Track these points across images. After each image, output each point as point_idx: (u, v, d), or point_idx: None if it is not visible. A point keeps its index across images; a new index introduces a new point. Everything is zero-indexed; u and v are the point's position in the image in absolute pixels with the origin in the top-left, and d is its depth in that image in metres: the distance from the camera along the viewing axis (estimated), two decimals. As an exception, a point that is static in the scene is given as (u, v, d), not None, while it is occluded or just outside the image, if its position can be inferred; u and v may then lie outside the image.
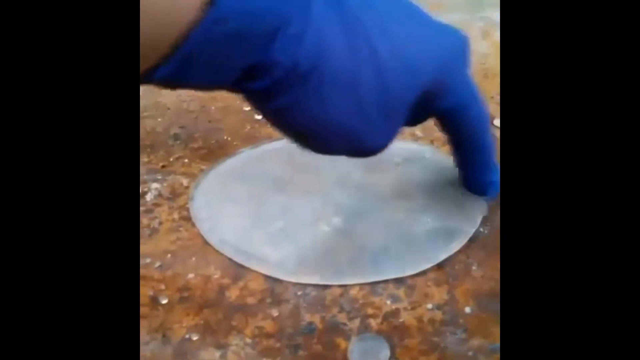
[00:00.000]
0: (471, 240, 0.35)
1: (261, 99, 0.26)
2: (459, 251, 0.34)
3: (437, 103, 0.30)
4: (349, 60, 0.25)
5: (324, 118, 0.26)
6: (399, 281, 0.33)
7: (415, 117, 0.30)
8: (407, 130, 0.41)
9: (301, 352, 0.30)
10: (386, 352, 0.30)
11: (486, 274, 0.33)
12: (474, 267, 0.33)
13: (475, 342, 0.30)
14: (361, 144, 0.28)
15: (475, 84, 0.32)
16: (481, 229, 0.35)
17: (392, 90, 0.26)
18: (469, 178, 0.35)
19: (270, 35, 0.23)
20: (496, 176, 0.34)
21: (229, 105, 0.43)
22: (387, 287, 0.32)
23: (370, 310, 0.32)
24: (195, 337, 0.31)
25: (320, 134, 0.27)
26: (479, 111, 0.32)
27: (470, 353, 0.30)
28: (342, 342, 0.30)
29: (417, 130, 0.41)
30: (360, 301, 0.32)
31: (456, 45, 0.30)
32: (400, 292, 0.32)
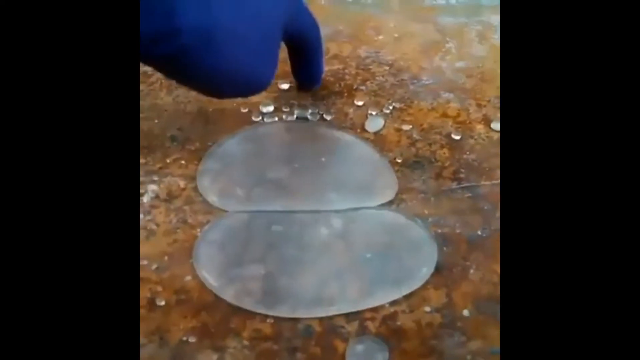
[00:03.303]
0: (469, 243, 0.35)
1: (167, 63, 0.30)
2: (458, 254, 0.34)
3: (291, 28, 0.36)
4: (235, 15, 0.29)
5: (227, 70, 0.30)
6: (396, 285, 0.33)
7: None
8: (404, 134, 0.41)
9: (299, 355, 0.30)
10: (384, 355, 0.30)
11: (484, 277, 0.33)
12: (472, 270, 0.33)
13: (474, 345, 0.30)
14: (259, 80, 0.33)
15: (307, 5, 0.38)
16: (479, 232, 0.35)
17: (269, 31, 0.32)
18: (313, 74, 0.43)
19: (171, 4, 0.26)
20: (320, 73, 0.43)
21: (226, 107, 0.43)
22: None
23: (368, 313, 0.31)
24: (192, 340, 0.30)
25: (225, 82, 0.31)
26: (317, 25, 0.39)
27: (468, 356, 0.30)
28: (340, 345, 0.30)
29: (415, 133, 0.41)
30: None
31: None
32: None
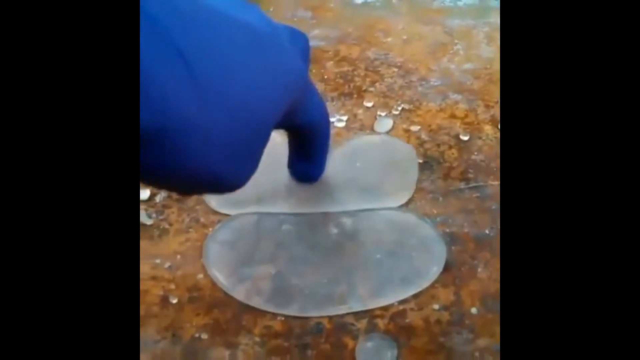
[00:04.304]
0: (477, 242, 0.35)
1: None
2: (466, 253, 0.34)
3: (290, 122, 0.30)
4: (197, 109, 0.23)
5: (186, 172, 0.24)
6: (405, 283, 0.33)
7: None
8: (413, 135, 0.41)
9: (310, 352, 0.30)
10: (393, 352, 0.30)
11: (492, 275, 0.33)
12: (479, 269, 0.34)
13: (481, 342, 0.30)
14: (230, 182, 0.27)
15: (315, 86, 0.32)
16: (487, 232, 0.36)
17: (248, 128, 0.25)
18: (310, 171, 0.36)
19: None
20: (321, 169, 0.37)
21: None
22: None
23: (377, 311, 0.32)
24: (204, 336, 0.31)
25: (186, 185, 0.26)
26: (326, 118, 0.33)
27: (476, 353, 0.30)
28: (349, 342, 0.31)
29: (423, 134, 0.41)
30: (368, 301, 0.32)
31: (300, 59, 0.29)
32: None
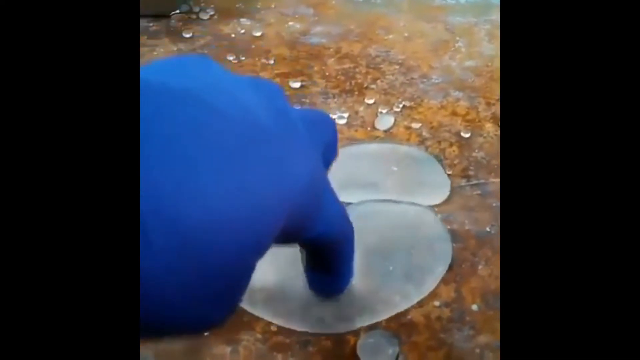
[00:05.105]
0: (478, 239, 0.35)
1: None
2: (467, 250, 0.35)
3: (297, 238, 0.24)
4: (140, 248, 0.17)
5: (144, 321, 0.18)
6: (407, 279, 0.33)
7: None
8: (414, 132, 0.42)
9: (311, 348, 0.30)
10: (394, 349, 0.30)
11: (493, 272, 0.33)
12: (480, 266, 0.34)
13: (482, 339, 0.31)
14: (198, 330, 0.20)
15: (332, 188, 0.26)
16: (488, 229, 0.36)
17: (221, 275, 0.18)
18: (323, 282, 0.31)
19: None
20: (346, 282, 0.31)
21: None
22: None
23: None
24: (206, 333, 0.31)
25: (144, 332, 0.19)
26: (345, 228, 0.27)
27: (477, 350, 0.30)
28: (351, 339, 0.31)
29: (424, 131, 0.42)
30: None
31: (317, 156, 0.23)
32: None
